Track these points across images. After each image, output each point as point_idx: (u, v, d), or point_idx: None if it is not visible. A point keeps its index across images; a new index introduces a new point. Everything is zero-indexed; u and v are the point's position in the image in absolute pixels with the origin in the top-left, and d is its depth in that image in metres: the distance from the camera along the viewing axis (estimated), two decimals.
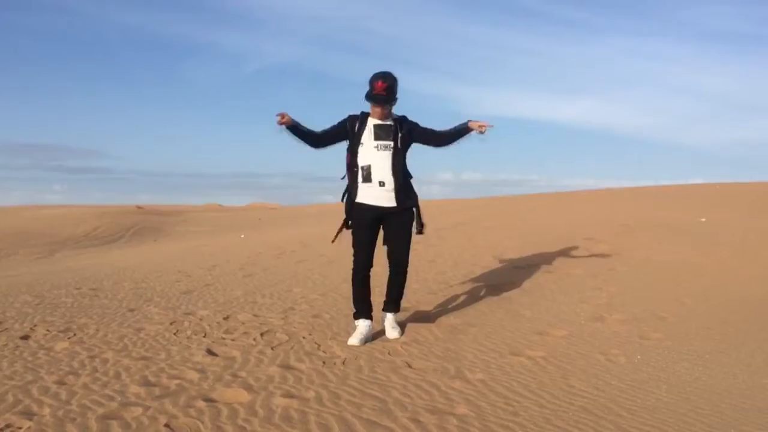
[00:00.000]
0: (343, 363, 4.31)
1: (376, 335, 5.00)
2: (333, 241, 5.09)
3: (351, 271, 4.97)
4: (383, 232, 4.96)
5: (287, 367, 4.22)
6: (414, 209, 4.96)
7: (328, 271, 8.11)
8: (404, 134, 4.83)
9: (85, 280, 8.32)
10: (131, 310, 6.15)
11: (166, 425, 3.22)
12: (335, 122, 4.91)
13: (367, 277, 4.95)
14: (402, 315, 5.39)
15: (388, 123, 4.83)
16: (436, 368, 4.20)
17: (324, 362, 4.33)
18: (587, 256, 8.11)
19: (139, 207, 33.25)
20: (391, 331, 5.02)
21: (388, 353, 4.52)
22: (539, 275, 7.14)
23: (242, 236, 16.97)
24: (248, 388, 3.79)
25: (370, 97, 4.73)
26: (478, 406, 3.54)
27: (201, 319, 5.66)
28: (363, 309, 4.97)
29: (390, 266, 5.03)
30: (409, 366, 4.24)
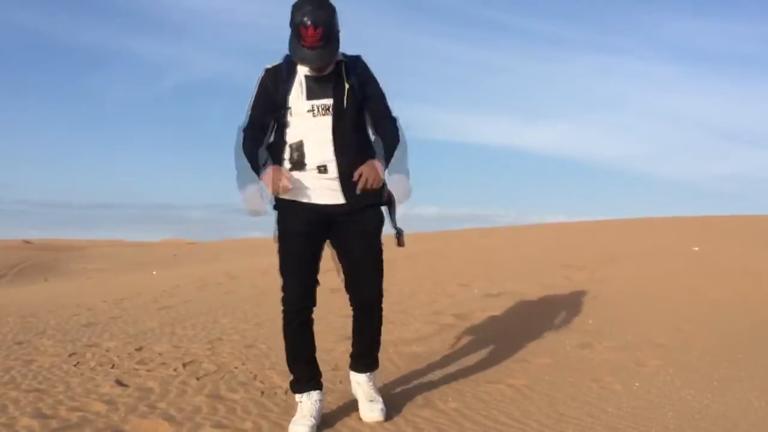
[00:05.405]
0: (285, 393, 4.15)
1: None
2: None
3: (282, 315, 3.57)
4: (334, 247, 3.67)
5: (217, 397, 4.05)
6: (385, 207, 3.67)
7: (263, 301, 7.93)
8: (353, 85, 3.48)
9: None
10: (19, 343, 5.85)
11: None
12: (251, 96, 3.59)
13: (307, 323, 3.56)
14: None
15: (327, 72, 3.49)
16: (399, 397, 4.08)
17: (263, 392, 4.17)
18: (567, 284, 8.15)
19: (27, 242, 32.33)
20: (368, 407, 3.60)
21: (339, 382, 4.37)
22: (513, 302, 7.12)
23: (154, 273, 16.58)
24: (170, 419, 3.62)
25: (296, 51, 3.38)
26: None
27: (107, 351, 5.41)
28: (306, 375, 3.57)
29: (351, 304, 3.71)
30: None
